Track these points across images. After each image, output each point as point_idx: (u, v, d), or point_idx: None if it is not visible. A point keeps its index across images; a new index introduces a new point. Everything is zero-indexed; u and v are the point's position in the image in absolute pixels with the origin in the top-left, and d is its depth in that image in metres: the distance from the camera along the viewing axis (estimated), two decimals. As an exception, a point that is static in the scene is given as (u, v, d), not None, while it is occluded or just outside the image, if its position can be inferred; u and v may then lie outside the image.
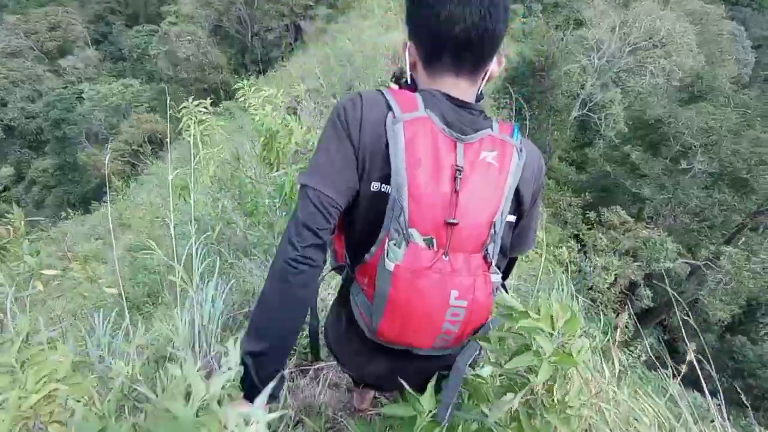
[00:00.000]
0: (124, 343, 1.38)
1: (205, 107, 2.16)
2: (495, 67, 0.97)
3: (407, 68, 0.97)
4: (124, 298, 1.56)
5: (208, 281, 1.70)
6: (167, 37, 31.56)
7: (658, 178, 16.84)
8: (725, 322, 15.32)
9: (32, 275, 1.81)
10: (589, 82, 20.38)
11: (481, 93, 0.98)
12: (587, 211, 16.11)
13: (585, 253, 14.11)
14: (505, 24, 0.89)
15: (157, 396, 0.84)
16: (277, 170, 2.22)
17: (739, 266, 13.52)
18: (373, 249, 0.92)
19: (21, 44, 35.53)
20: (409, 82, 0.99)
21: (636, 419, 1.35)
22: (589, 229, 15.11)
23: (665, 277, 15.79)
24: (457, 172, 0.85)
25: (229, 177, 2.60)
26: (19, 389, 0.77)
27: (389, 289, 0.87)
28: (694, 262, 14.83)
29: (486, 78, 0.97)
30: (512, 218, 0.98)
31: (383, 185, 0.88)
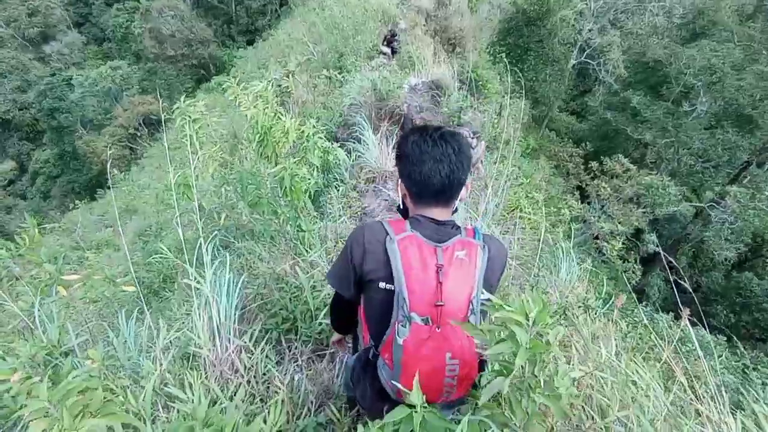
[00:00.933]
0: (149, 342, 1.49)
1: (201, 107, 2.19)
2: (464, 193, 1.35)
3: (399, 198, 1.40)
4: (142, 296, 1.66)
5: (221, 276, 1.80)
6: (149, 14, 30.64)
7: (660, 122, 16.57)
8: (731, 261, 15.46)
9: (54, 282, 1.92)
10: (587, 26, 19.74)
11: (456, 209, 1.36)
12: (589, 162, 15.98)
13: (588, 203, 14.12)
14: (468, 170, 1.30)
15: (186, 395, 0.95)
16: (275, 164, 2.28)
17: (744, 205, 13.50)
18: (388, 331, 1.29)
19: (2, 33, 34.73)
20: (401, 207, 1.41)
21: (634, 382, 1.45)
22: (592, 179, 15.04)
23: (672, 220, 15.85)
24: (439, 268, 1.21)
25: (230, 172, 2.66)
26: (58, 429, 0.86)
27: (402, 356, 1.24)
28: (697, 204, 14.82)
29: (459, 200, 1.36)
30: (488, 294, 1.25)
31: (387, 284, 1.27)
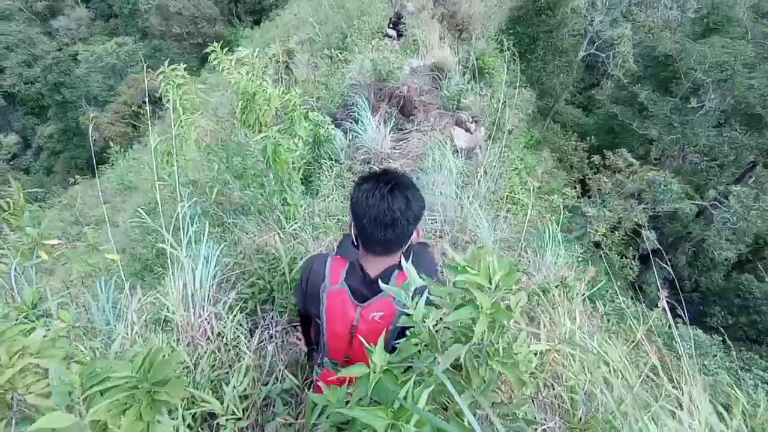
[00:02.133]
0: (126, 308, 1.48)
1: (182, 72, 2.14)
2: (414, 237, 1.39)
3: (353, 234, 1.41)
4: (120, 266, 1.65)
5: (199, 245, 1.78)
6: (156, -10, 30.36)
7: (667, 118, 16.38)
8: (731, 261, 15.40)
9: (35, 246, 1.90)
10: (598, 18, 19.42)
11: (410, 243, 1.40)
12: (593, 155, 15.85)
13: (589, 197, 14.04)
14: (416, 223, 1.34)
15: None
16: (259, 132, 2.24)
17: (747, 205, 13.39)
18: (318, 357, 1.51)
19: (10, 6, 34.48)
20: (354, 243, 1.43)
21: (606, 363, 1.43)
22: (594, 173, 14.93)
23: (673, 217, 15.75)
24: (352, 328, 1.35)
25: (217, 141, 2.62)
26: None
27: (314, 391, 1.49)
28: (699, 203, 14.71)
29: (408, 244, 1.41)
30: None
31: (318, 319, 1.43)
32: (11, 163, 31.89)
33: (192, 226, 2.07)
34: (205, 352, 1.48)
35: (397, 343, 1.30)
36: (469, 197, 2.64)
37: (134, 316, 1.48)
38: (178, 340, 1.50)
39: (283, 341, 1.82)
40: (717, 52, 14.80)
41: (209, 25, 30.58)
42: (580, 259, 2.74)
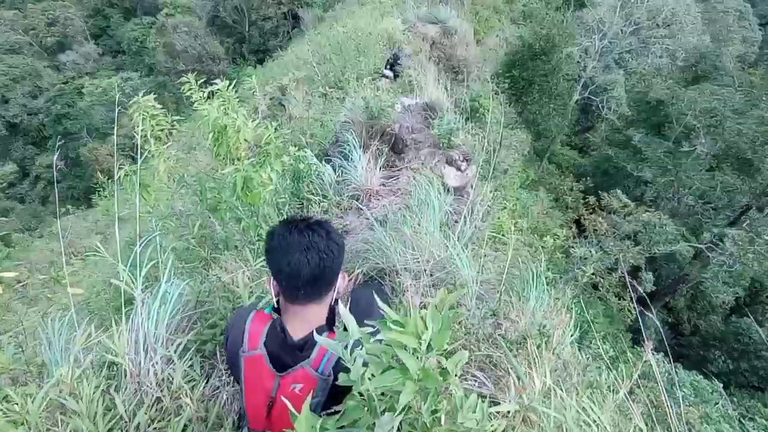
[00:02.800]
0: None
1: (153, 102, 2.11)
2: (342, 284, 1.35)
3: (273, 297, 1.34)
4: (76, 302, 1.55)
5: (158, 284, 1.69)
6: (165, 29, 31.39)
7: (660, 161, 16.60)
8: (728, 305, 15.21)
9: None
10: (591, 64, 20.03)
11: (334, 300, 1.32)
12: (588, 196, 15.95)
13: (585, 237, 14.00)
14: (341, 259, 1.29)
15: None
16: (230, 163, 2.19)
17: (743, 248, 13.35)
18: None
19: (20, 40, 35.51)
20: (275, 306, 1.35)
21: (589, 422, 1.31)
22: (590, 213, 14.98)
23: (670, 259, 15.67)
24: (270, 400, 1.25)
25: (187, 173, 2.57)
26: None
27: None
28: (694, 245, 14.69)
29: (336, 293, 1.34)
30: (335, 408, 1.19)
31: (238, 384, 1.33)
32: (7, 192, 31.92)
33: (164, 262, 1.98)
34: (148, 402, 1.35)
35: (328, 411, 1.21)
36: (453, 236, 2.57)
37: (80, 357, 1.36)
38: (116, 387, 1.38)
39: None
40: (706, 98, 15.19)
41: (214, 63, 31.44)
42: (574, 301, 2.64)
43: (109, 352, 1.41)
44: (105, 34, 40.26)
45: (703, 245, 14.58)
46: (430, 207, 3.12)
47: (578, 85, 20.29)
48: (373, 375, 0.80)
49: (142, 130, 2.04)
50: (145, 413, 1.30)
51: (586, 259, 10.28)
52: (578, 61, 19.84)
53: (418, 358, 0.74)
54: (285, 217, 1.41)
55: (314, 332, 1.23)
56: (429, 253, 2.45)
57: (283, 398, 1.19)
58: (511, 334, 1.65)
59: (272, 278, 1.32)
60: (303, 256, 1.21)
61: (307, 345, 1.27)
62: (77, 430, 1.14)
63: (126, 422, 1.28)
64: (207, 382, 1.63)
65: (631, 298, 14.36)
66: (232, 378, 1.74)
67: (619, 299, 13.53)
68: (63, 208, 20.91)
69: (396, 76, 9.09)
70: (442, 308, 0.92)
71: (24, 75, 34.63)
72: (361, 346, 0.93)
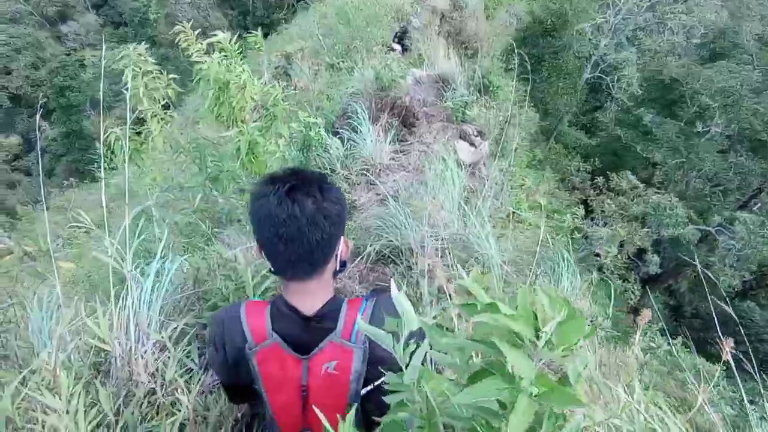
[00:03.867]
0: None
1: (145, 55, 1.90)
2: (344, 249, 1.10)
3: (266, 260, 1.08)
4: (57, 281, 1.38)
5: (151, 262, 1.52)
6: (166, 0, 30.67)
7: (671, 142, 16.24)
8: (735, 289, 15.11)
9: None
10: (603, 41, 19.44)
11: (340, 267, 1.12)
12: (596, 177, 15.68)
13: (592, 219, 13.81)
14: (337, 225, 1.02)
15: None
16: (233, 126, 1.99)
17: (753, 232, 13.15)
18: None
19: (21, 9, 34.87)
20: (271, 271, 1.10)
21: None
22: (598, 194, 14.75)
23: (676, 242, 15.51)
24: (303, 390, 1.03)
25: (188, 139, 2.37)
26: None
27: None
28: (705, 227, 14.48)
29: (338, 261, 1.10)
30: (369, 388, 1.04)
31: (255, 388, 1.08)
32: (13, 164, 31.82)
33: (160, 236, 1.82)
34: (137, 397, 1.19)
35: (369, 390, 1.02)
36: (473, 213, 2.39)
37: (66, 339, 1.21)
38: (104, 376, 1.22)
39: None
40: (724, 77, 14.73)
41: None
42: (593, 285, 2.48)
43: (94, 337, 1.25)
44: (106, 5, 39.42)
45: (713, 228, 14.39)
46: (447, 182, 2.93)
47: (589, 64, 19.75)
48: (424, 378, 0.60)
49: (133, 87, 1.84)
50: (133, 412, 1.13)
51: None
52: (590, 39, 19.26)
53: (532, 358, 0.50)
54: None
55: (344, 306, 1.06)
56: (447, 230, 2.27)
57: (322, 372, 1.02)
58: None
59: (260, 249, 1.08)
60: (281, 232, 0.96)
61: (325, 317, 1.05)
62: (56, 429, 0.99)
63: (113, 420, 1.12)
64: (207, 371, 1.49)
65: (635, 280, 14.28)
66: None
67: (623, 281, 13.42)
68: (67, 181, 20.85)
69: (405, 49, 8.79)
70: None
71: (26, 45, 34.17)
72: (414, 338, 0.69)
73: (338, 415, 0.75)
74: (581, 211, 11.49)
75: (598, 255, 12.31)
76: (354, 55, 7.27)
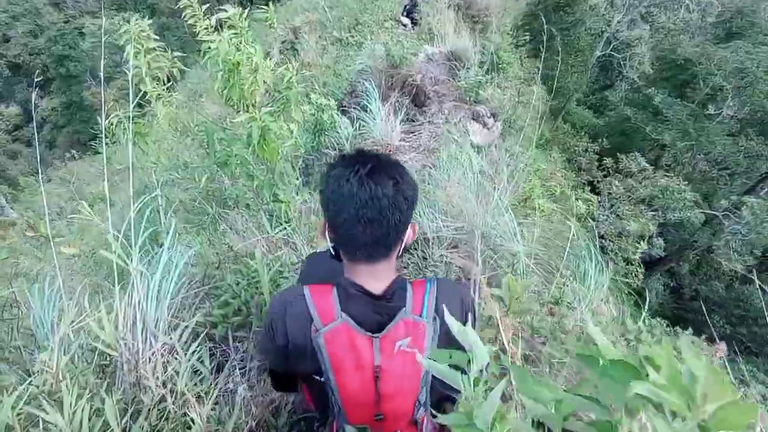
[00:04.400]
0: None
1: (147, 29, 1.77)
2: (410, 234, 1.08)
3: (328, 242, 1.08)
4: (59, 272, 1.30)
5: (159, 252, 1.44)
6: (167, -33, 29.81)
7: (682, 124, 15.93)
8: (739, 273, 15.08)
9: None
10: (616, 18, 18.88)
11: (401, 251, 1.09)
12: (603, 158, 15.46)
13: (599, 202, 13.67)
14: (410, 211, 1.02)
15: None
16: (244, 111, 1.87)
17: (760, 217, 13.02)
18: (328, 424, 1.09)
19: (18, -26, 34.04)
20: (332, 254, 1.11)
21: None
22: (605, 176, 14.56)
23: (680, 226, 15.40)
24: (377, 371, 0.99)
25: (193, 121, 2.26)
26: None
27: None
28: (711, 212, 14.36)
29: (402, 247, 1.08)
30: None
31: (322, 378, 1.02)
32: (13, 134, 31.58)
33: (166, 224, 1.73)
34: (148, 401, 1.12)
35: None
36: (490, 200, 2.28)
37: (69, 337, 1.14)
38: (110, 382, 1.15)
39: (257, 382, 1.46)
40: (739, 58, 14.34)
41: (219, 5, 30.06)
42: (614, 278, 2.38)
43: (98, 340, 1.17)
44: (105, -31, 38.42)
45: (720, 213, 14.25)
46: (463, 166, 2.82)
47: (601, 41, 19.23)
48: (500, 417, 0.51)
49: (135, 67, 1.72)
50: (143, 426, 1.06)
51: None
52: (603, 14, 18.70)
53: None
54: (345, 151, 1.09)
55: (408, 286, 1.05)
56: (462, 219, 2.18)
57: (396, 350, 0.98)
58: (571, 326, 1.39)
59: (327, 224, 1.07)
60: (362, 213, 0.95)
61: (394, 296, 1.04)
62: None
63: None
64: (218, 372, 1.42)
65: (639, 263, 14.22)
66: (251, 367, 1.50)
67: (627, 263, 13.38)
68: (68, 153, 20.72)
69: (414, 23, 8.52)
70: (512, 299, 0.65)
71: (23, 12, 33.51)
72: (482, 368, 0.61)
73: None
74: (595, 198, 11.39)
75: (602, 237, 12.23)
76: (362, 29, 7.02)
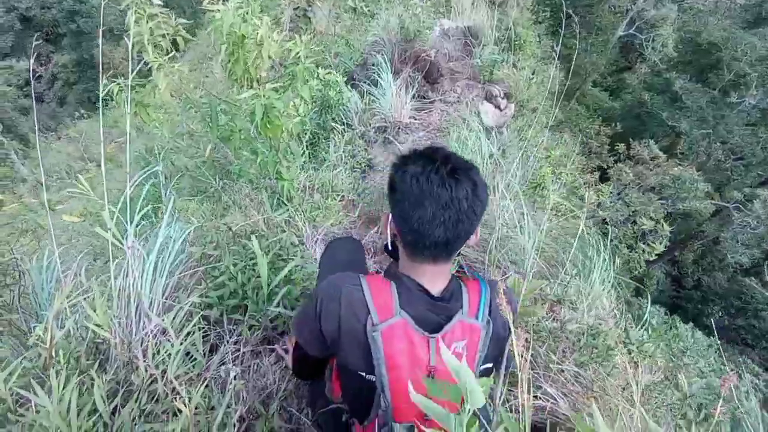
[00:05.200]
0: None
1: None
2: (473, 240, 1.06)
3: (388, 237, 1.10)
4: (55, 246, 1.28)
5: (157, 230, 1.41)
6: None
7: (701, 111, 15.52)
8: (744, 266, 14.99)
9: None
10: (643, -5, 18.19)
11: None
12: (615, 143, 15.16)
13: (609, 187, 13.49)
14: (482, 216, 1.01)
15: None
16: (248, 87, 1.81)
17: (771, 211, 12.83)
18: (367, 422, 1.05)
19: (26, -77, 33.17)
20: (390, 248, 1.13)
21: None
22: (616, 161, 14.32)
23: (687, 215, 15.23)
24: (432, 372, 0.98)
25: (198, 93, 2.20)
26: None
27: None
28: (723, 203, 14.16)
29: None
30: (489, 365, 1.10)
31: (369, 375, 1.01)
32: (24, 89, 31.43)
33: (167, 194, 1.71)
34: (138, 382, 1.11)
35: (487, 366, 1.07)
36: (500, 187, 2.23)
37: (65, 311, 1.13)
38: (103, 363, 1.14)
39: (250, 367, 1.46)
40: (767, 44, 13.83)
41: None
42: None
43: (90, 320, 1.16)
44: None
45: (731, 204, 14.05)
46: (472, 150, 2.75)
47: (625, 19, 18.58)
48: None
49: (137, 35, 1.65)
50: (132, 409, 1.05)
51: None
52: (630, -9, 18.02)
53: None
54: (417, 148, 1.05)
55: (463, 287, 1.06)
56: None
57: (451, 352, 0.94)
58: (576, 327, 1.36)
59: (391, 218, 1.05)
60: (439, 213, 0.94)
61: (452, 297, 1.05)
62: (47, 428, 0.92)
63: (108, 420, 1.05)
64: (211, 354, 1.41)
65: (643, 251, 14.12)
66: (245, 351, 1.49)
67: (630, 250, 13.31)
68: (78, 112, 20.64)
69: (431, -7, 8.24)
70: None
71: (35, -37, 32.85)
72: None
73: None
74: (607, 189, 11.22)
75: (605, 222, 12.11)
76: (377, -2, 6.80)
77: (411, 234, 1.00)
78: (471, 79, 4.49)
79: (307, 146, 3.00)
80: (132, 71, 1.43)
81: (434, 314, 1.02)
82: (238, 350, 1.49)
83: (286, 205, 2.08)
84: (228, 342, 1.49)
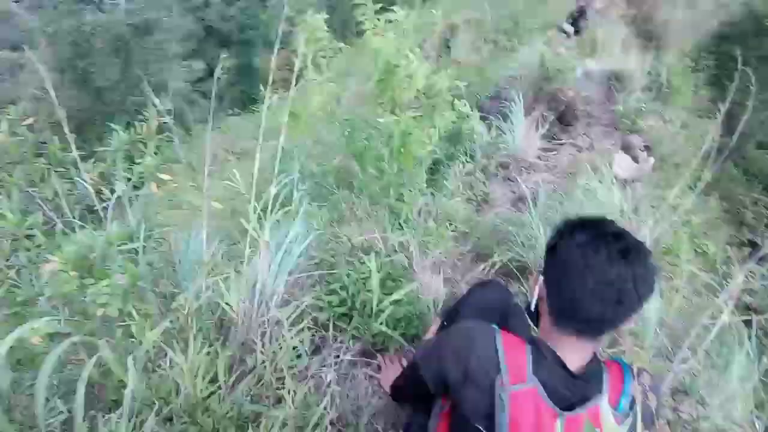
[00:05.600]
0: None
1: (321, 23, 1.90)
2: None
3: (534, 298, 1.04)
4: (204, 229, 1.48)
5: (286, 229, 1.57)
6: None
7: None
8: None
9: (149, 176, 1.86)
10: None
11: None
12: (779, 216, 12.96)
13: (760, 264, 11.59)
14: (642, 305, 0.91)
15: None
16: (390, 112, 1.93)
17: None
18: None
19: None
20: (532, 309, 1.07)
21: None
22: (774, 238, 12.25)
23: None
24: None
25: (340, 111, 2.39)
26: None
27: None
28: None
29: None
30: None
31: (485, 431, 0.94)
32: (196, 85, 36.76)
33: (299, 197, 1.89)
34: (249, 366, 1.25)
35: None
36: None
37: (200, 290, 1.31)
38: (225, 338, 1.30)
39: (346, 375, 1.54)
40: None
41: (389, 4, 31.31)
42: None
43: (222, 298, 1.34)
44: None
45: None
46: (597, 200, 2.59)
47: (810, 77, 16.02)
48: None
49: (303, 54, 1.88)
50: (249, 388, 1.19)
51: None
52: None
53: None
54: (582, 216, 1.01)
55: (605, 370, 0.99)
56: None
57: None
58: (706, 426, 1.17)
59: (542, 280, 1.01)
60: (601, 291, 0.89)
61: (592, 377, 0.98)
62: (177, 383, 1.09)
63: (225, 390, 1.20)
64: (314, 355, 1.52)
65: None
66: (345, 359, 1.57)
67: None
68: (231, 110, 23.49)
69: (577, 32, 7.96)
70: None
71: (221, -19, 38.32)
72: None
73: None
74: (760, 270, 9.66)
75: (749, 308, 10.36)
76: (521, 33, 6.76)
77: (563, 303, 0.95)
78: (609, 125, 4.23)
79: (426, 171, 3.08)
80: (293, 85, 1.63)
81: (568, 391, 0.94)
82: (338, 357, 1.58)
83: (401, 227, 2.17)
84: (330, 346, 1.59)
